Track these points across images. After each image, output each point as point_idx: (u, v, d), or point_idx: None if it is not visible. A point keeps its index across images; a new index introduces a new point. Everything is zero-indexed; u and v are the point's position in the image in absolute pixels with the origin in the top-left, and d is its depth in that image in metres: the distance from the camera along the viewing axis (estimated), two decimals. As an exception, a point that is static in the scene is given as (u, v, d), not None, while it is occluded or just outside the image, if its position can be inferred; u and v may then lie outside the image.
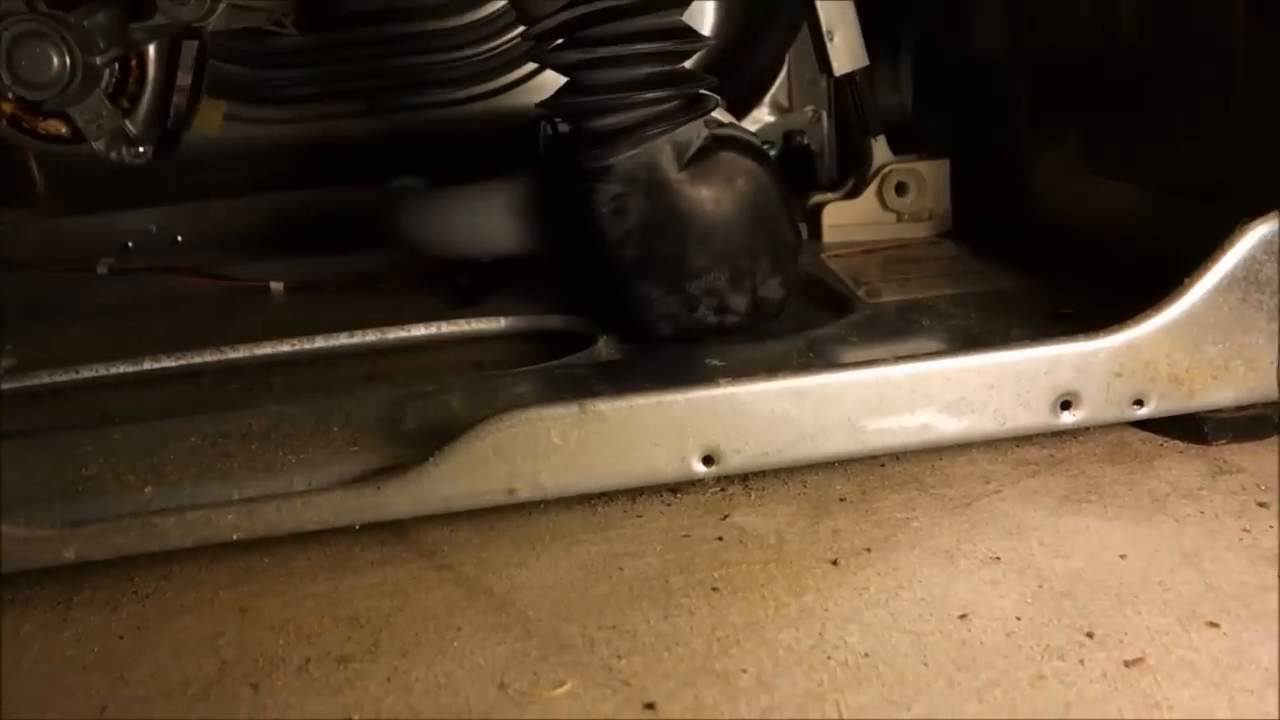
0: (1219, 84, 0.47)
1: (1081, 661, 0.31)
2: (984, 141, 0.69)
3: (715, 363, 0.48)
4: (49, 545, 0.38)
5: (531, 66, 0.80)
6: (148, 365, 0.57)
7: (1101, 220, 0.57)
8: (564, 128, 0.58)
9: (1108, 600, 0.34)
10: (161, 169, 0.64)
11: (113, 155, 0.60)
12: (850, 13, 0.68)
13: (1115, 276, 0.53)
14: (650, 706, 0.30)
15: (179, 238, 0.80)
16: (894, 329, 0.51)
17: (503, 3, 0.80)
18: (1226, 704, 0.29)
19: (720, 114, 0.52)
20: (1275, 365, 0.42)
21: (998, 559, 0.37)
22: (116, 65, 0.61)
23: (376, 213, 0.65)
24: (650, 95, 0.48)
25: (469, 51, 0.82)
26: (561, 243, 0.56)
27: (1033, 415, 0.42)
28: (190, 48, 0.64)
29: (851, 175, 0.72)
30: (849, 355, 0.49)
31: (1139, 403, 0.42)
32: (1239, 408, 0.43)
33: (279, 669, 0.34)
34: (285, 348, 0.57)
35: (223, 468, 0.41)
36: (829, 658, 0.32)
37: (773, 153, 0.82)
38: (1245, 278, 0.42)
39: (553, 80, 0.50)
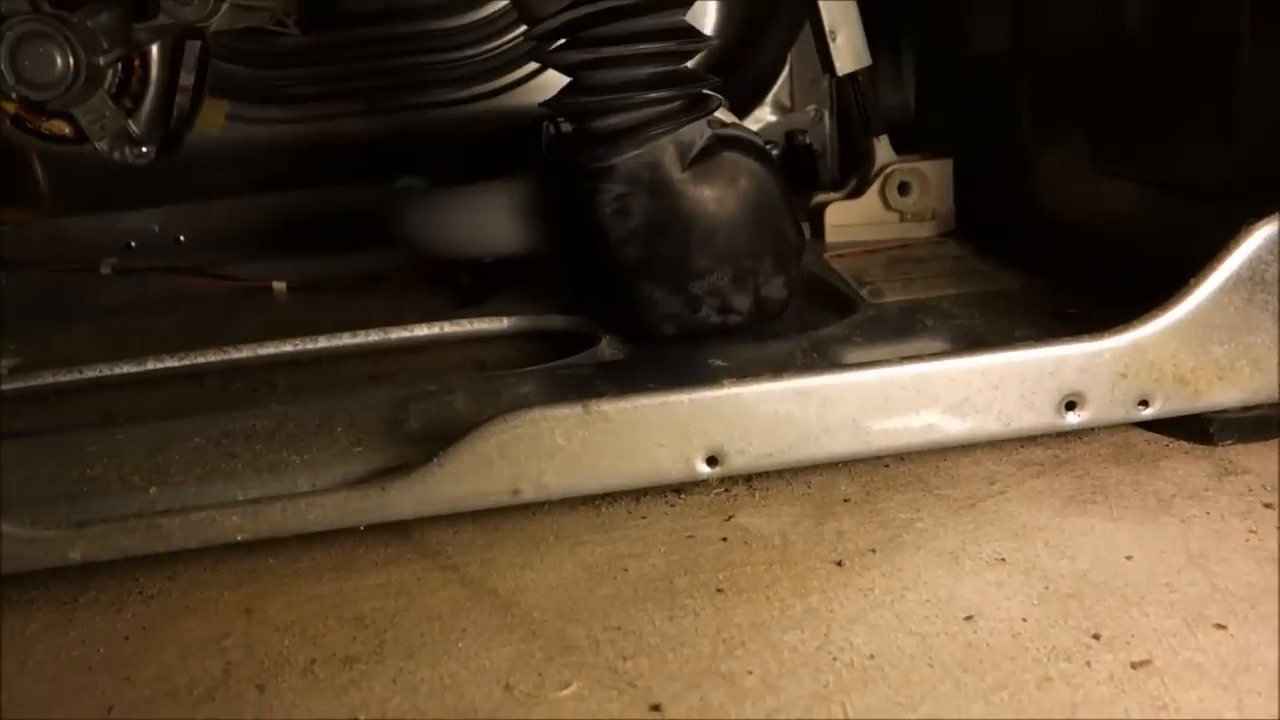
0: (1223, 83, 0.47)
1: (1088, 663, 0.31)
2: (987, 141, 0.69)
3: (718, 363, 0.48)
4: (54, 546, 0.38)
5: (533, 66, 0.80)
6: (151, 365, 0.57)
7: (1105, 220, 0.57)
8: (566, 127, 0.58)
9: (1114, 602, 0.34)
10: (164, 169, 0.64)
11: (116, 155, 0.60)
12: (853, 12, 0.68)
13: (1118, 276, 0.52)
14: (656, 708, 0.30)
15: (181, 238, 0.80)
16: (897, 329, 0.51)
17: (504, 2, 0.80)
18: (1234, 706, 0.29)
19: (723, 114, 0.52)
20: (1280, 366, 0.42)
21: (1003, 560, 0.37)
22: (120, 65, 0.61)
23: (379, 212, 0.65)
24: (653, 95, 0.48)
25: (471, 51, 0.81)
26: (564, 243, 0.56)
27: (1038, 416, 0.42)
28: (193, 48, 0.64)
29: (854, 175, 0.72)
30: (853, 356, 0.49)
31: (1144, 403, 0.42)
32: (1245, 408, 0.43)
33: (284, 670, 0.34)
34: (288, 348, 0.57)
35: (227, 468, 0.41)
36: (834, 659, 0.32)
37: (775, 152, 0.82)
38: (1251, 278, 0.42)
39: (555, 80, 0.50)
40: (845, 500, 0.42)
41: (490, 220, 0.58)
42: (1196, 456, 0.43)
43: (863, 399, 0.41)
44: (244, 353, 0.57)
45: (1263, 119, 0.46)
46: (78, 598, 0.39)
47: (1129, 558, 0.36)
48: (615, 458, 0.40)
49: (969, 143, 0.70)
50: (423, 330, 0.59)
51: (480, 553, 0.40)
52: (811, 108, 0.84)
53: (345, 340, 0.58)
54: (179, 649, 0.35)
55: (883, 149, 0.69)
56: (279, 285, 0.70)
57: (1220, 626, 0.32)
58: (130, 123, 0.61)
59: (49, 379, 0.56)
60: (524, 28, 0.50)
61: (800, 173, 0.81)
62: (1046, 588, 0.35)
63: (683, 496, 0.43)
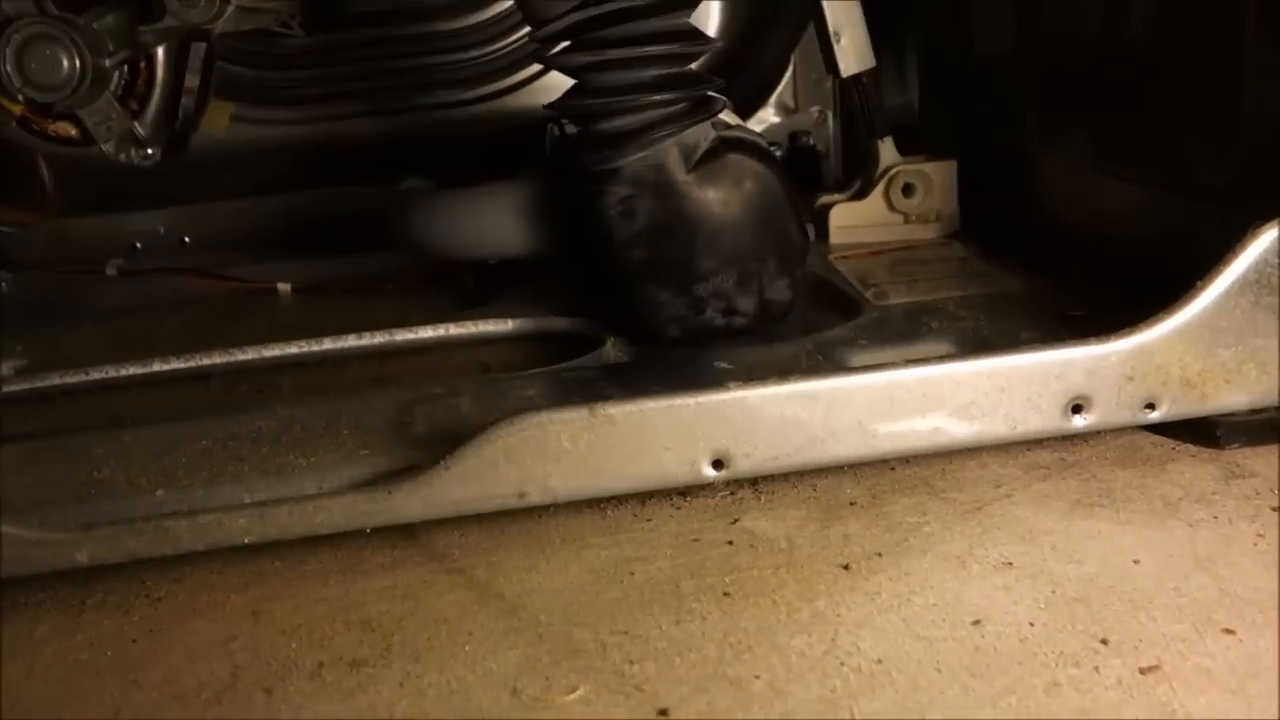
0: (1228, 84, 0.47)
1: (1096, 669, 0.31)
2: (991, 142, 0.68)
3: (723, 365, 0.48)
4: (62, 548, 0.38)
5: (538, 67, 0.80)
6: (157, 367, 0.57)
7: (1109, 221, 0.57)
8: (571, 129, 0.58)
9: (1122, 606, 0.34)
10: (170, 170, 0.64)
11: (122, 157, 0.60)
12: (857, 13, 0.68)
13: (1123, 278, 0.52)
14: (663, 713, 0.30)
15: (187, 239, 0.80)
16: (902, 331, 0.51)
17: (509, 3, 0.80)
18: (1244, 712, 0.29)
19: (727, 115, 0.52)
20: (1288, 369, 0.42)
21: (1010, 564, 0.37)
22: (125, 67, 0.61)
23: (383, 214, 0.65)
24: (658, 97, 0.48)
25: (475, 52, 0.81)
26: (568, 244, 0.56)
27: (1044, 419, 0.42)
28: (198, 49, 0.64)
29: (858, 176, 0.72)
30: (858, 358, 0.49)
31: (1151, 406, 0.42)
32: (1252, 411, 0.43)
33: (292, 673, 0.34)
34: (293, 349, 0.58)
35: (234, 471, 0.41)
36: (842, 664, 0.32)
37: (779, 154, 0.82)
38: (1257, 281, 0.42)
39: (560, 80, 0.50)
40: (851, 503, 0.42)
41: (495, 222, 0.58)
42: (1203, 460, 0.43)
43: (869, 402, 0.41)
44: (249, 354, 0.57)
45: (1268, 120, 0.46)
46: (85, 600, 0.39)
47: (1136, 562, 0.36)
48: (621, 461, 0.40)
49: (973, 144, 0.70)
50: (427, 332, 0.59)
51: (486, 556, 0.40)
52: (815, 109, 0.84)
53: (350, 342, 0.58)
54: (186, 652, 0.35)
55: (887, 150, 0.69)
56: (284, 287, 0.70)
57: (1229, 631, 0.32)
58: (136, 124, 0.61)
59: (55, 380, 0.56)
60: (528, 29, 0.50)
61: (804, 174, 0.81)
62: (1054, 592, 0.35)
63: (688, 499, 0.43)
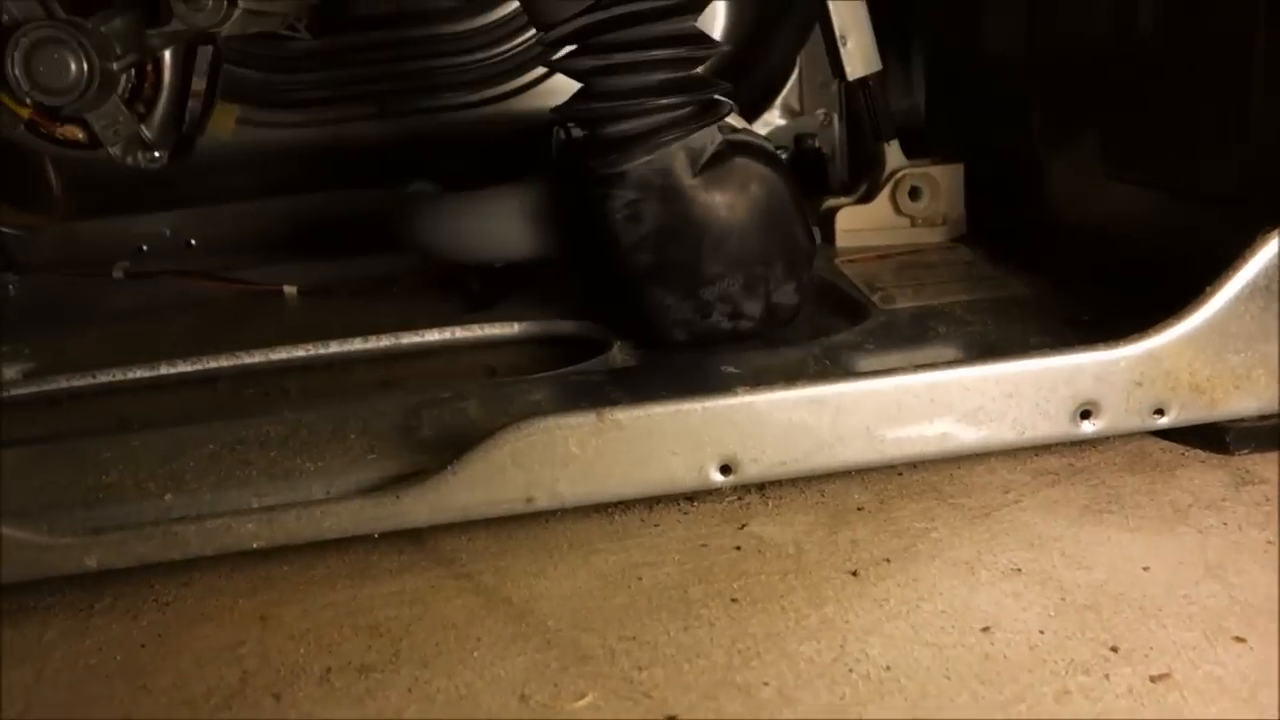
0: (1238, 87, 0.47)
1: (1107, 676, 0.31)
2: (998, 145, 0.68)
3: (730, 369, 0.48)
4: (71, 553, 0.38)
5: (544, 70, 0.80)
6: (164, 370, 0.57)
7: (1117, 225, 0.57)
8: (577, 132, 0.58)
9: (1132, 613, 0.34)
10: (176, 173, 0.64)
11: (129, 160, 0.60)
12: (863, 16, 0.68)
13: (1130, 281, 0.52)
14: (672, 719, 0.30)
15: (193, 241, 0.80)
16: (910, 336, 0.51)
17: (515, 6, 0.80)
18: (1254, 720, 0.29)
19: (733, 119, 0.52)
20: (1297, 374, 0.42)
21: (1019, 570, 0.37)
22: (133, 71, 0.61)
23: (389, 217, 0.65)
24: (664, 101, 0.48)
25: (481, 55, 0.81)
26: (575, 248, 0.56)
27: (1052, 425, 0.41)
28: (205, 53, 0.64)
29: (864, 180, 0.72)
30: (865, 362, 0.49)
31: (1160, 412, 0.42)
32: (1261, 417, 0.43)
33: (301, 679, 0.34)
34: (300, 353, 0.58)
35: (242, 475, 0.41)
36: (851, 671, 0.32)
37: (784, 157, 0.82)
38: (1267, 286, 0.42)
39: (566, 83, 0.50)
40: (859, 509, 0.41)
41: (501, 225, 0.58)
42: (1213, 466, 0.43)
43: (877, 407, 0.41)
44: (256, 357, 0.57)
45: (1276, 124, 0.45)
46: (93, 604, 0.39)
47: (1146, 568, 0.36)
48: (629, 466, 0.40)
49: (980, 147, 0.70)
50: (434, 335, 0.59)
51: (494, 561, 0.40)
52: (821, 112, 0.84)
53: (357, 345, 0.58)
54: (195, 657, 0.35)
55: (893, 154, 0.69)
56: (290, 289, 0.71)
57: (1240, 639, 0.32)
58: (143, 128, 0.61)
59: (62, 383, 0.56)
60: (534, 32, 0.50)
61: (810, 177, 0.81)
62: (1063, 599, 0.35)
63: (696, 505, 0.43)
